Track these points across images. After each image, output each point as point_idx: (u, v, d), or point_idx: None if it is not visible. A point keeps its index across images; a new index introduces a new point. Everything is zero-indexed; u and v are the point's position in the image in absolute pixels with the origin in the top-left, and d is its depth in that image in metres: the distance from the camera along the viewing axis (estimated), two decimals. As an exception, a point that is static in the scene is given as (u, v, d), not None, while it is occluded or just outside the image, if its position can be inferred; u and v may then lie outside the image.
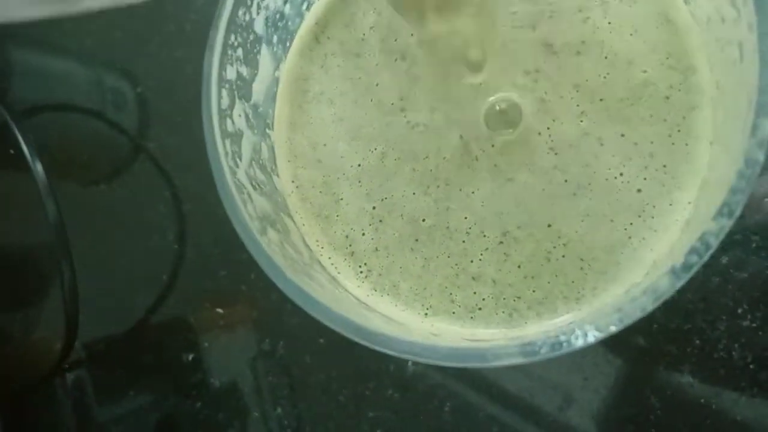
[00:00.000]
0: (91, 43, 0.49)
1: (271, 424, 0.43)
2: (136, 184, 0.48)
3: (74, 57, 0.50)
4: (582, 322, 0.24)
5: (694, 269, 0.22)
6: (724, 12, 0.26)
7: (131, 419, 0.46)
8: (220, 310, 0.45)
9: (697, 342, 0.38)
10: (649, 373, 0.39)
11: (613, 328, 0.23)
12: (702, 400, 0.38)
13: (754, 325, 0.38)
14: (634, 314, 0.23)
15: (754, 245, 0.38)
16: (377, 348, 0.25)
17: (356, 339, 0.25)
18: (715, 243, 0.22)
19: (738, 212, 0.23)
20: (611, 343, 0.39)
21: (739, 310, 0.38)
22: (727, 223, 0.22)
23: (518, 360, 0.23)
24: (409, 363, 0.42)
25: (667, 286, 0.23)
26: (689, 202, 0.29)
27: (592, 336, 0.23)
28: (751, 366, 0.38)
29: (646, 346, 0.39)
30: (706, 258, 0.23)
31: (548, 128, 0.31)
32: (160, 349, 0.46)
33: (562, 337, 0.23)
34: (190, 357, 0.45)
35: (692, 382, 0.38)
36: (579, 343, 0.23)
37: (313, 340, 0.42)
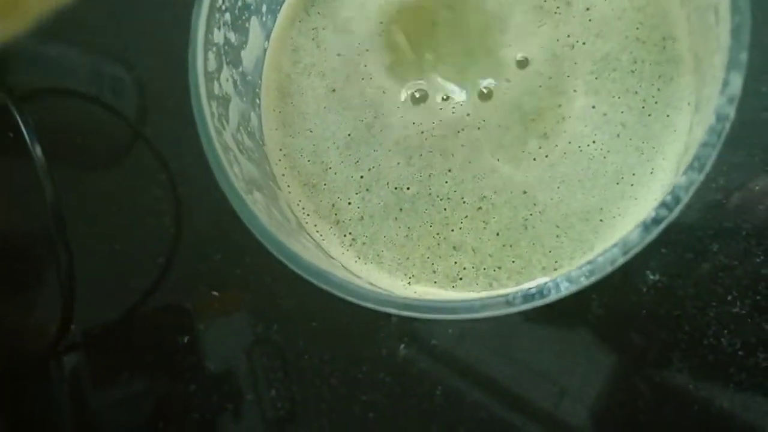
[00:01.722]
0: (88, 28, 0.50)
1: (265, 407, 0.44)
2: (133, 168, 0.48)
3: (72, 42, 0.50)
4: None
5: (664, 223, 0.23)
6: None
7: (127, 402, 0.46)
8: (215, 293, 0.45)
9: (687, 328, 0.39)
10: (639, 360, 0.39)
11: (583, 280, 0.23)
12: (690, 386, 0.38)
13: (743, 312, 0.38)
14: (605, 267, 0.23)
15: (744, 232, 0.38)
16: (358, 301, 0.25)
17: (340, 294, 0.26)
18: (684, 197, 0.23)
19: (708, 166, 0.23)
20: (602, 330, 0.39)
21: (729, 297, 0.38)
22: (697, 178, 0.23)
23: (491, 312, 0.24)
24: (401, 347, 0.42)
25: (636, 240, 0.23)
26: (672, 170, 0.30)
27: (564, 288, 0.23)
28: (740, 353, 0.38)
29: (636, 333, 0.39)
30: (675, 212, 0.23)
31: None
32: (155, 332, 0.46)
33: (534, 290, 0.23)
34: (185, 340, 0.45)
35: (681, 368, 0.38)
36: (552, 295, 0.24)
37: (307, 323, 0.43)
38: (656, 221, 0.23)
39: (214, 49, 0.29)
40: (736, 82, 0.23)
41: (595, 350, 0.39)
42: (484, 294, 0.30)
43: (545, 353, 0.41)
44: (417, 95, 0.33)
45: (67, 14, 0.50)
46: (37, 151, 0.42)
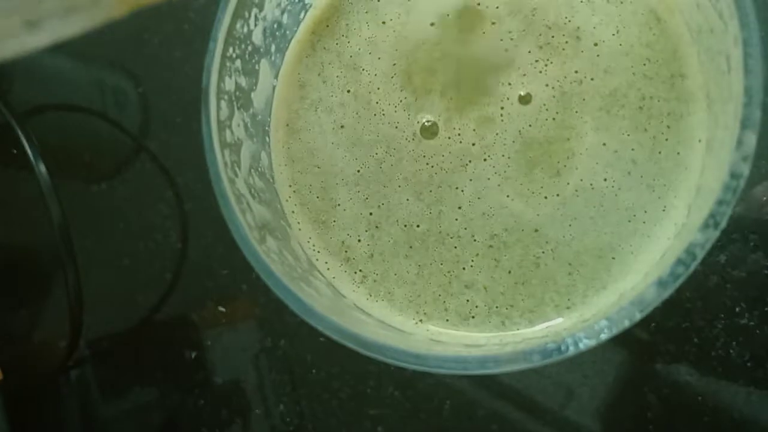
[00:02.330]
0: (92, 43, 0.50)
1: (273, 421, 0.44)
2: (138, 183, 0.48)
3: (76, 57, 0.50)
4: (572, 329, 0.24)
5: (680, 280, 0.23)
6: (713, 23, 0.27)
7: (135, 417, 0.46)
8: (222, 309, 0.45)
9: (696, 340, 0.39)
10: (648, 371, 0.39)
11: (603, 336, 0.23)
12: (700, 398, 0.38)
13: (752, 323, 0.38)
14: (622, 323, 0.23)
15: (752, 244, 0.38)
16: (371, 355, 0.25)
17: (351, 346, 0.26)
18: (701, 254, 0.23)
19: (723, 224, 0.23)
20: (610, 341, 0.39)
21: (737, 309, 0.38)
22: (713, 234, 0.23)
23: (512, 368, 0.24)
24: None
25: (653, 296, 0.23)
26: (685, 208, 0.30)
27: (583, 344, 0.23)
28: (749, 364, 0.38)
29: (644, 344, 0.39)
30: (692, 269, 0.23)
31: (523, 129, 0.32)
32: (163, 347, 0.46)
33: (552, 345, 0.24)
34: (193, 355, 0.45)
35: (690, 380, 0.38)
36: (571, 351, 0.24)
37: (315, 338, 0.42)
38: (673, 278, 0.23)
39: (226, 97, 0.29)
40: (750, 141, 0.23)
41: (604, 360, 0.40)
42: (497, 338, 0.30)
43: (553, 364, 0.41)
44: (427, 130, 0.33)
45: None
46: (41, 168, 0.42)
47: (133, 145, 0.48)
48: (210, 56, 0.27)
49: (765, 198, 0.38)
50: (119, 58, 0.49)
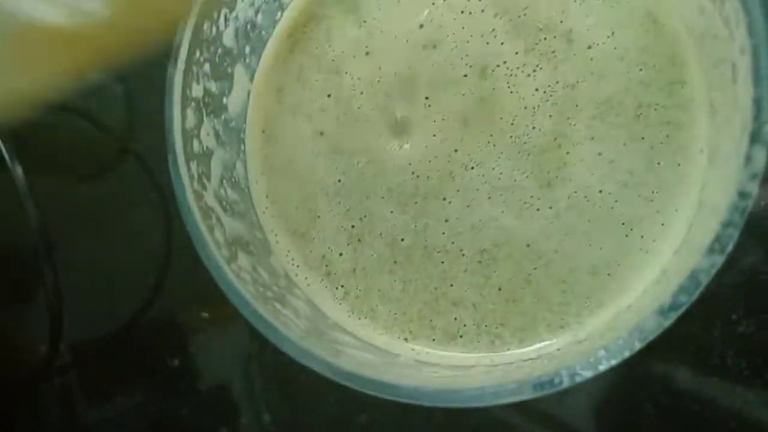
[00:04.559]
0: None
1: (261, 429, 0.43)
2: (122, 184, 0.47)
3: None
4: (566, 350, 0.23)
5: (683, 308, 0.21)
6: (718, 29, 0.25)
7: (118, 423, 0.45)
8: (205, 314, 0.44)
9: (692, 348, 0.38)
10: (644, 379, 0.38)
11: (601, 367, 0.22)
12: (696, 407, 0.38)
13: (749, 331, 0.37)
14: (621, 354, 0.22)
15: (750, 251, 0.37)
16: (348, 384, 0.24)
17: (328, 375, 0.25)
18: (705, 281, 0.21)
19: (730, 247, 0.21)
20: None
21: (734, 316, 0.37)
22: (719, 260, 0.21)
23: (501, 401, 0.23)
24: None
25: (653, 326, 0.22)
26: (685, 223, 0.28)
27: (580, 377, 0.22)
28: (746, 372, 0.37)
29: (641, 352, 0.38)
30: (695, 296, 0.22)
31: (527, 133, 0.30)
32: (147, 352, 0.45)
33: (544, 378, 0.22)
34: (177, 361, 0.44)
35: (686, 387, 0.38)
36: (566, 383, 0.22)
37: (302, 343, 0.42)
38: (675, 307, 0.21)
39: (193, 104, 0.27)
40: (760, 157, 0.21)
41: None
42: (487, 358, 0.29)
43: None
44: (412, 138, 0.31)
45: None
46: (17, 169, 0.41)
47: (116, 146, 0.47)
48: (173, 62, 0.26)
49: (764, 203, 0.37)
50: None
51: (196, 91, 0.28)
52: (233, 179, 0.31)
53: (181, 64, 0.26)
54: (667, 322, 0.22)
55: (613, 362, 0.22)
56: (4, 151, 0.41)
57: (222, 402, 0.44)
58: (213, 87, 0.29)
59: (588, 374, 0.22)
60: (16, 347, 0.47)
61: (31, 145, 0.43)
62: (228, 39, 0.30)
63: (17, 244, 0.47)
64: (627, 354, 0.22)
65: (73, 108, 0.47)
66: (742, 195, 0.21)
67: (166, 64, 0.45)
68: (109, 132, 0.47)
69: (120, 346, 0.45)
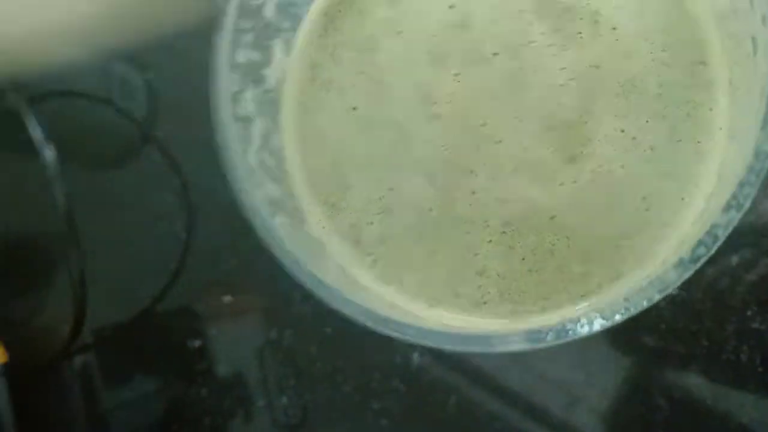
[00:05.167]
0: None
1: (276, 413, 0.44)
2: (145, 171, 0.47)
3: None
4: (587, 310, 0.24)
5: (702, 261, 0.22)
6: (738, 3, 0.26)
7: (137, 405, 0.46)
8: (226, 299, 0.45)
9: (706, 343, 0.38)
10: (657, 373, 0.39)
11: (618, 317, 0.23)
12: (709, 402, 0.38)
13: (763, 327, 0.38)
14: (640, 304, 0.23)
15: (764, 247, 0.38)
16: (383, 331, 0.25)
17: (363, 322, 0.25)
18: (723, 235, 0.22)
19: (747, 205, 0.22)
20: (618, 342, 0.39)
21: (749, 312, 0.38)
22: (736, 216, 0.22)
23: (523, 346, 0.23)
24: (415, 355, 0.42)
25: (673, 278, 0.23)
26: (704, 197, 0.29)
27: (598, 324, 0.23)
28: (759, 369, 0.38)
29: (653, 346, 0.39)
30: (713, 250, 0.22)
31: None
32: (166, 336, 0.46)
33: (568, 325, 0.23)
34: (197, 344, 0.45)
35: (700, 383, 0.38)
36: (584, 330, 0.23)
37: (320, 330, 0.42)
38: (694, 259, 0.22)
39: (238, 70, 0.28)
40: (778, 120, 0.22)
41: (610, 362, 0.39)
42: (510, 324, 0.30)
43: (559, 363, 0.40)
44: (440, 112, 0.32)
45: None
46: (48, 154, 0.42)
47: (140, 134, 0.47)
48: (222, 24, 0.27)
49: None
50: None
51: (240, 57, 0.29)
52: (270, 149, 0.32)
53: (229, 30, 0.28)
54: (687, 274, 0.23)
55: (633, 311, 0.23)
56: (35, 135, 0.42)
57: (239, 386, 0.44)
58: (255, 57, 0.31)
59: (607, 323, 0.23)
60: (40, 327, 0.48)
61: (56, 133, 0.44)
62: (269, 12, 0.31)
63: (43, 228, 0.47)
64: (645, 304, 0.23)
65: (96, 95, 0.48)
66: (759, 155, 0.22)
67: (188, 54, 0.47)
68: (131, 119, 0.47)
69: (140, 330, 0.46)
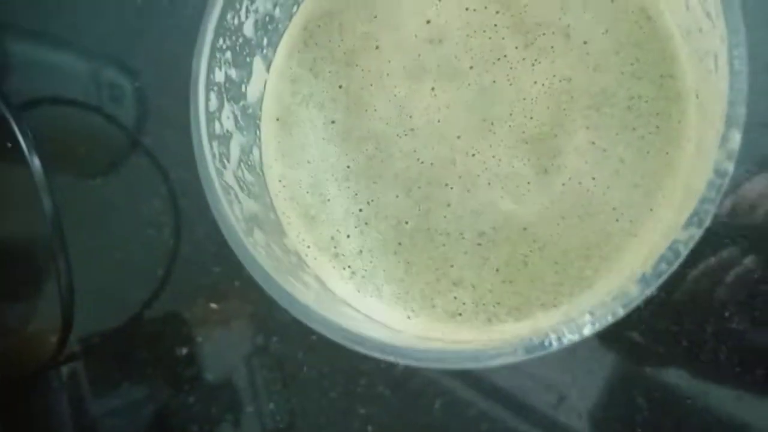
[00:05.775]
0: (88, 37, 0.50)
1: (264, 419, 0.44)
2: (133, 178, 0.47)
3: (72, 50, 0.50)
4: (557, 324, 0.24)
5: (663, 277, 0.23)
6: (702, 23, 0.27)
7: (125, 412, 0.46)
8: (214, 305, 0.45)
9: (685, 343, 0.39)
10: (638, 374, 0.39)
11: (586, 331, 0.24)
12: (689, 401, 0.38)
13: (741, 327, 0.38)
14: (605, 319, 0.23)
15: (742, 248, 0.38)
16: (359, 350, 0.26)
17: (339, 341, 0.26)
18: (684, 251, 0.23)
19: (708, 222, 0.23)
20: (601, 343, 0.40)
21: (727, 313, 0.38)
22: (697, 232, 0.23)
23: (495, 362, 0.24)
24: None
25: (636, 293, 0.23)
26: (673, 208, 0.30)
27: (567, 339, 0.24)
28: (738, 368, 0.38)
29: (634, 347, 0.39)
30: (675, 266, 0.23)
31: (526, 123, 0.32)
32: (154, 343, 0.46)
33: (536, 340, 0.24)
34: (184, 351, 0.45)
35: (679, 383, 0.38)
36: (554, 346, 0.24)
37: (306, 336, 0.43)
38: (656, 275, 0.23)
39: (215, 88, 0.29)
40: (735, 138, 0.23)
41: (593, 363, 0.40)
42: (483, 334, 0.30)
43: (546, 363, 0.41)
44: (417, 126, 0.33)
45: (67, 20, 0.50)
46: (35, 162, 0.42)
47: (128, 140, 0.48)
48: (199, 46, 0.27)
49: (754, 201, 0.38)
50: (116, 52, 0.49)
51: (219, 76, 0.29)
52: (249, 163, 0.32)
53: (206, 48, 0.28)
54: (649, 290, 0.23)
55: (598, 327, 0.24)
56: (23, 143, 0.42)
57: (227, 392, 0.45)
58: (234, 74, 0.31)
59: (574, 337, 0.24)
60: (26, 336, 0.48)
61: (44, 140, 0.44)
62: (248, 30, 0.31)
63: (31, 235, 0.48)
64: (610, 319, 0.24)
65: (85, 102, 0.48)
66: (719, 173, 0.23)
67: (176, 61, 0.47)
68: (120, 126, 0.48)
69: (128, 337, 0.46)
